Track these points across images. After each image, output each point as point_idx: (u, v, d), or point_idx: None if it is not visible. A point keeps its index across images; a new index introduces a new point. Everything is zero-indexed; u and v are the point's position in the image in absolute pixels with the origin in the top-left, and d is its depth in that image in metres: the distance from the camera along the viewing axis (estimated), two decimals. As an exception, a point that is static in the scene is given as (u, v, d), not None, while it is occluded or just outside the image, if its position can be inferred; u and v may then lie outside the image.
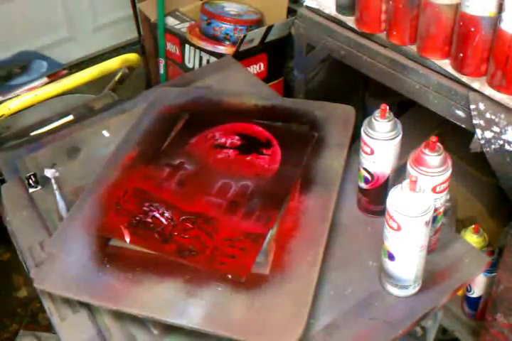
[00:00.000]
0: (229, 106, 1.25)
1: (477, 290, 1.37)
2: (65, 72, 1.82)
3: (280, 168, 1.08)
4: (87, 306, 0.93)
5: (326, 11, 1.37)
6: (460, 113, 1.13)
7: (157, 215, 0.99)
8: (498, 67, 1.02)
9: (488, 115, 1.05)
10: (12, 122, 1.54)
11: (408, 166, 0.88)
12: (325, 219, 0.98)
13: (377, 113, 0.91)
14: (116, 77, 1.64)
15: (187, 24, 2.12)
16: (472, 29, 1.03)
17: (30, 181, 1.15)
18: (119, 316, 0.92)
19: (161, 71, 2.24)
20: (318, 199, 1.02)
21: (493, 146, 1.07)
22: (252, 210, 0.99)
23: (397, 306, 0.91)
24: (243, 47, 1.89)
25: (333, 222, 0.99)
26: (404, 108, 1.57)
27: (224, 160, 1.11)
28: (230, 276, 0.89)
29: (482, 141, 1.08)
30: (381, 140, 0.92)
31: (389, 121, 0.91)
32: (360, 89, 1.79)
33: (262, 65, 2.01)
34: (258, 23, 2.03)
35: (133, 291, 0.89)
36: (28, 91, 1.55)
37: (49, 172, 1.14)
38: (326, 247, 0.94)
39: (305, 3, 1.43)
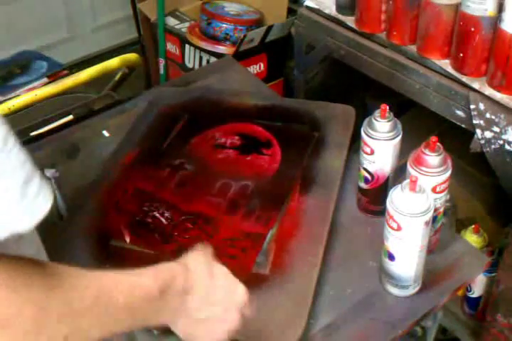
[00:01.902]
0: (229, 106, 1.25)
1: (477, 290, 1.37)
2: (65, 72, 1.82)
3: (280, 168, 1.08)
4: (87, 306, 0.93)
5: (326, 11, 1.37)
6: (460, 113, 1.13)
7: (157, 215, 0.99)
8: (498, 67, 1.02)
9: (488, 115, 1.05)
10: (12, 122, 1.54)
11: (408, 166, 0.88)
12: (325, 219, 0.98)
13: (377, 113, 0.91)
14: (116, 77, 1.64)
15: (187, 24, 2.12)
16: (472, 29, 1.03)
17: (30, 181, 1.14)
18: (119, 316, 0.92)
19: (161, 71, 2.24)
20: (318, 199, 1.02)
21: (493, 146, 1.06)
22: (252, 210, 0.99)
23: (397, 306, 0.91)
24: (243, 47, 1.89)
25: (333, 222, 0.99)
26: (404, 108, 1.57)
27: (224, 160, 1.11)
28: (230, 276, 0.89)
29: (482, 141, 1.08)
30: (381, 140, 0.92)
31: (389, 121, 0.91)
32: (360, 90, 1.79)
33: (262, 64, 2.01)
34: (258, 23, 2.03)
35: (133, 291, 0.88)
36: (28, 92, 1.55)
37: (49, 172, 1.14)
38: (326, 247, 0.94)
39: (305, 3, 1.43)
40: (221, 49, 1.98)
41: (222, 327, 0.67)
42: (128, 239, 0.96)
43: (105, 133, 1.27)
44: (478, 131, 1.07)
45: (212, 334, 0.67)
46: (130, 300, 0.53)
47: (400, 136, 0.93)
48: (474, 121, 1.07)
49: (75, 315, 0.47)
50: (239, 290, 0.69)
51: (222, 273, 0.69)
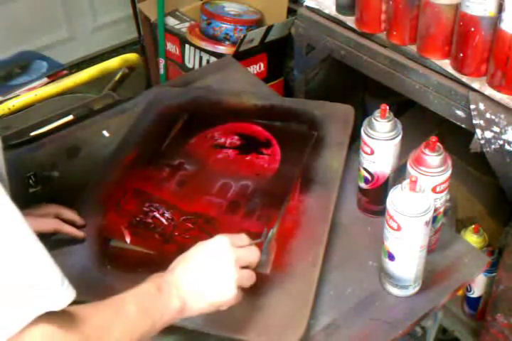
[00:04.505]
0: (228, 106, 1.25)
1: (477, 290, 1.37)
2: (65, 72, 1.82)
3: (280, 167, 1.08)
4: (87, 306, 0.93)
5: (326, 11, 1.37)
6: (460, 113, 1.13)
7: (157, 215, 0.99)
8: (498, 67, 1.02)
9: (488, 115, 1.05)
10: (12, 122, 1.54)
11: (408, 166, 0.88)
12: (325, 218, 0.98)
13: (377, 113, 0.91)
14: (116, 77, 1.64)
15: (187, 24, 2.12)
16: (472, 29, 1.03)
17: (30, 181, 1.15)
18: (119, 316, 0.91)
19: (161, 71, 2.24)
20: (318, 199, 1.02)
21: (493, 146, 1.06)
22: (253, 210, 0.99)
23: (397, 306, 0.91)
24: (243, 47, 1.88)
25: (333, 222, 0.99)
26: (404, 108, 1.57)
27: (224, 160, 1.11)
28: (230, 276, 0.89)
29: (482, 141, 1.08)
30: (381, 140, 0.92)
31: (389, 121, 0.91)
32: (360, 89, 1.79)
33: (262, 64, 2.01)
34: (258, 23, 2.03)
35: (133, 291, 0.88)
36: (28, 91, 1.55)
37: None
38: (326, 247, 0.94)
39: (305, 3, 1.43)
40: (221, 49, 1.98)
41: (215, 297, 0.72)
42: (128, 240, 0.96)
43: (105, 133, 1.27)
44: (478, 131, 1.07)
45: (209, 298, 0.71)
46: (140, 304, 0.65)
47: (400, 136, 0.93)
48: (474, 121, 1.07)
49: (107, 334, 0.59)
50: (228, 267, 0.72)
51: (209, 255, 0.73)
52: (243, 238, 0.78)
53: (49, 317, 0.53)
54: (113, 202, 1.02)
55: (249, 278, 0.75)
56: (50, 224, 0.95)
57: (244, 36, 1.85)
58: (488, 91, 1.05)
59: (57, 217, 0.98)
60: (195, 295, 0.70)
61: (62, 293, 0.54)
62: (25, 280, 0.51)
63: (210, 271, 0.72)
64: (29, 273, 0.52)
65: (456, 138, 1.22)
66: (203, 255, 0.73)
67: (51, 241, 0.98)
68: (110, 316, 0.61)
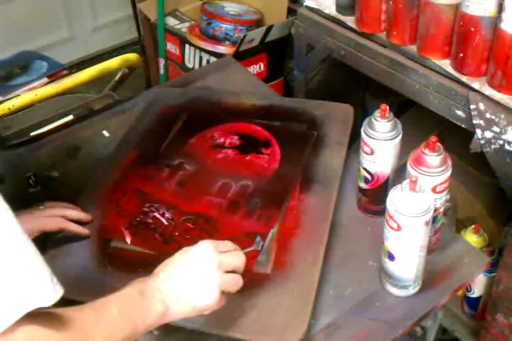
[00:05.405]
0: (228, 106, 1.25)
1: (477, 290, 1.37)
2: (65, 72, 1.82)
3: (280, 167, 1.08)
4: (87, 306, 0.93)
5: (326, 11, 1.37)
6: (460, 113, 1.13)
7: (157, 216, 0.99)
8: (498, 67, 1.02)
9: (488, 115, 1.05)
10: (12, 122, 1.54)
11: (408, 166, 0.88)
12: (325, 217, 0.98)
13: (377, 113, 0.91)
14: (116, 77, 1.64)
15: (187, 24, 2.12)
16: (472, 29, 1.03)
17: (30, 181, 1.15)
18: (120, 316, 0.91)
19: (161, 71, 2.24)
20: (319, 198, 1.02)
21: (493, 146, 1.06)
22: (253, 210, 0.99)
23: (397, 306, 0.91)
24: (243, 47, 1.89)
25: (333, 222, 0.99)
26: (404, 108, 1.57)
27: (223, 160, 1.11)
28: (230, 276, 0.89)
29: (482, 141, 1.08)
30: (381, 140, 0.92)
31: (389, 121, 0.91)
32: (360, 89, 1.79)
33: (262, 64, 2.01)
34: (258, 23, 2.03)
35: (133, 291, 0.88)
36: (28, 91, 1.55)
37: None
38: (326, 247, 0.94)
39: (305, 3, 1.43)
40: (221, 49, 1.98)
41: (197, 301, 0.73)
42: (129, 240, 0.96)
43: (105, 133, 1.27)
44: (478, 131, 1.07)
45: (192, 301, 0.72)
46: (122, 308, 0.65)
47: (399, 136, 0.93)
48: (474, 121, 1.07)
49: (89, 337, 0.60)
50: (211, 272, 0.73)
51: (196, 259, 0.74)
52: (227, 243, 0.79)
53: (36, 316, 0.53)
54: (113, 203, 1.02)
55: (235, 282, 0.75)
56: (55, 223, 0.96)
57: (244, 36, 1.85)
58: (488, 91, 1.05)
59: (63, 216, 0.98)
60: (178, 299, 0.71)
61: (51, 290, 0.54)
62: (14, 277, 0.52)
63: (193, 276, 0.73)
64: (18, 270, 0.52)
65: (456, 138, 1.22)
66: (186, 260, 0.74)
67: (55, 238, 0.99)
68: (93, 319, 0.62)
